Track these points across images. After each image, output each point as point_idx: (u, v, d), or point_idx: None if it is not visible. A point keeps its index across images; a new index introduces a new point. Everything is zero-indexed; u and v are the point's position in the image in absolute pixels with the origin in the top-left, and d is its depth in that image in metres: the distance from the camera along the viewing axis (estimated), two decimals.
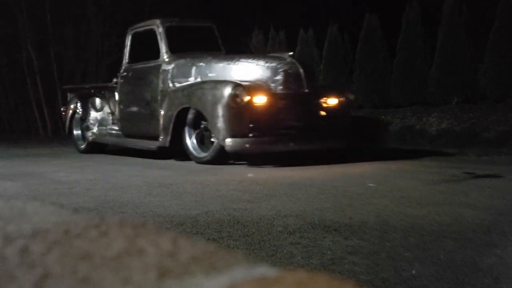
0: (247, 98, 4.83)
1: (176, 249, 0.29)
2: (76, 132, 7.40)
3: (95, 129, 6.90)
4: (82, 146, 7.13)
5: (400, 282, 1.53)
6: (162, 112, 5.59)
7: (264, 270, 0.27)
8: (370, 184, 3.62)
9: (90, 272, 0.27)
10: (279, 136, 4.95)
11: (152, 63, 6.03)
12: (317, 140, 5.14)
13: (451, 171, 4.13)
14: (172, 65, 5.74)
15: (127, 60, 6.52)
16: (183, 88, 5.49)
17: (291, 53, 5.91)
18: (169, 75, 5.71)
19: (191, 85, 5.42)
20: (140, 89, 6.17)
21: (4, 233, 0.31)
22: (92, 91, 7.30)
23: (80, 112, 7.21)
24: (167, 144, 5.45)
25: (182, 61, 5.75)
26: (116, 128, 6.65)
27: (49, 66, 12.41)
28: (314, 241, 2.02)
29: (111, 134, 6.78)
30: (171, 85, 5.66)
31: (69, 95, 7.92)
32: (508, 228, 2.27)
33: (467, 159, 5.13)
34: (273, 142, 4.97)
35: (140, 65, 6.25)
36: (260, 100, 4.93)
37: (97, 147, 6.91)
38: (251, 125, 4.83)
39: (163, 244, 0.30)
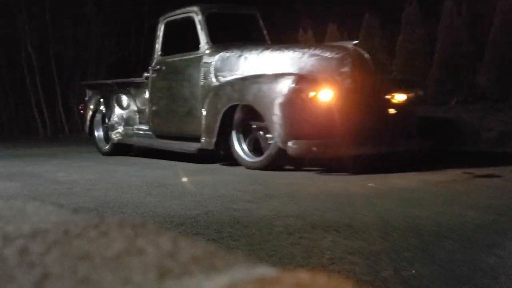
0: (312, 93, 4.19)
1: (176, 249, 0.29)
2: (98, 132, 6.74)
3: (120, 129, 6.26)
4: (105, 148, 6.52)
5: (400, 282, 1.53)
6: (205, 111, 4.92)
7: (264, 270, 0.27)
8: (370, 184, 3.62)
9: (90, 272, 0.26)
10: (350, 137, 4.18)
11: (190, 55, 5.38)
12: (394, 142, 4.46)
13: (451, 171, 4.13)
14: (216, 57, 5.07)
15: (159, 53, 5.85)
16: (232, 83, 4.80)
17: (356, 41, 5.03)
18: (212, 68, 5.05)
19: (243, 79, 4.71)
20: (177, 85, 5.56)
21: (4, 233, 0.31)
22: (117, 87, 6.66)
23: (104, 110, 6.52)
24: (212, 146, 4.78)
25: (227, 52, 5.05)
26: (145, 127, 6.11)
27: (49, 66, 12.42)
28: (314, 241, 2.02)
29: (139, 135, 6.23)
30: (214, 79, 5.01)
31: (89, 92, 7.27)
32: (508, 228, 2.27)
33: (467, 158, 5.13)
34: (344, 145, 4.21)
35: (176, 58, 5.62)
36: (327, 95, 4.23)
37: (122, 149, 6.37)
38: (318, 125, 4.15)
39: (163, 244, 0.30)
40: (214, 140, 4.75)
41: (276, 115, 4.23)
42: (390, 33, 7.81)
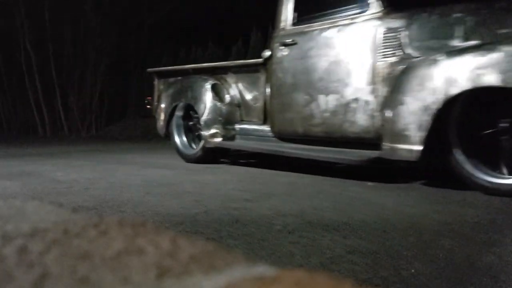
0: None
1: (175, 248, 0.29)
2: (179, 134, 5.40)
3: (217, 129, 4.89)
4: (192, 153, 5.18)
5: (399, 281, 1.54)
6: (404, 103, 3.22)
7: (263, 269, 0.27)
8: (369, 183, 3.62)
9: (89, 271, 0.26)
10: None
11: (355, 19, 3.80)
12: None
13: None
14: (404, 20, 3.48)
15: (290, 22, 4.34)
16: (459, 55, 3.01)
17: None
18: (402, 36, 3.45)
19: (489, 49, 2.86)
20: (325, 64, 3.96)
21: (3, 233, 0.31)
22: (210, 73, 5.24)
23: (192, 104, 5.14)
24: (414, 156, 3.16)
25: (424, 12, 3.43)
26: (256, 127, 4.73)
27: (48, 64, 12.40)
28: (314, 240, 2.02)
29: (245, 136, 4.82)
30: (409, 51, 3.41)
31: (162, 82, 5.83)
32: (507, 227, 2.27)
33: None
34: None
35: (325, 25, 4.03)
36: None
37: (216, 154, 5.07)
38: None
39: (163, 243, 0.30)
40: (419, 147, 3.14)
41: None
42: None
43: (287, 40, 4.31)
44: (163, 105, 5.49)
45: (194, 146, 5.28)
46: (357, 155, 3.63)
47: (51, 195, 3.17)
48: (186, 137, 5.37)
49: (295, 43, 4.23)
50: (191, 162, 5.08)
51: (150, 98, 5.97)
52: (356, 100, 3.76)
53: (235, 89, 5.03)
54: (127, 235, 0.30)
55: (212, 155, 5.02)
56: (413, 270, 1.64)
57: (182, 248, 0.29)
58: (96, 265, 0.27)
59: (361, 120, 3.72)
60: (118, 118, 13.19)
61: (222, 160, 5.18)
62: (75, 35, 12.56)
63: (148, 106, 6.01)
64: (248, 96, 4.91)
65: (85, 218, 0.34)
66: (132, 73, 13.15)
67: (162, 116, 5.48)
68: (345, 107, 3.83)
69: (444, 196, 3.08)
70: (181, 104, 5.32)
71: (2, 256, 0.28)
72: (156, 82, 5.90)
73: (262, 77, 4.71)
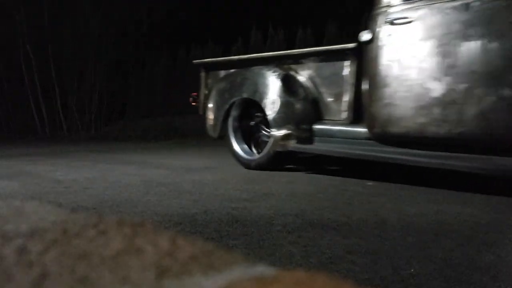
0: None
1: (174, 248, 0.29)
2: (236, 136, 4.64)
3: (290, 129, 4.12)
4: (257, 158, 4.39)
5: (398, 281, 1.54)
6: None
7: (263, 269, 0.26)
8: (369, 183, 3.62)
9: (89, 271, 0.26)
10: None
11: None
12: None
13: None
14: None
15: None
16: None
17: None
18: None
19: None
20: (464, 47, 3.07)
21: (3, 232, 0.31)
22: (278, 63, 4.41)
23: (258, 101, 4.30)
24: None
25: None
26: (343, 128, 3.89)
27: (47, 65, 12.40)
28: (313, 240, 2.02)
29: (328, 138, 3.98)
30: None
31: (212, 76, 5.07)
32: (506, 227, 2.27)
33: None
34: None
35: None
36: None
37: (282, 159, 4.30)
38: None
39: (162, 243, 0.30)
40: None
41: None
42: None
43: (397, 17, 3.44)
44: (215, 103, 4.74)
45: (254, 150, 4.57)
46: (502, 164, 2.90)
47: (50, 195, 3.17)
48: (245, 139, 4.62)
49: (409, 21, 3.37)
50: (252, 169, 4.36)
51: (195, 94, 5.26)
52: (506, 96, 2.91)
53: (311, 82, 4.19)
54: (126, 235, 0.30)
55: (279, 161, 4.28)
56: (412, 270, 1.64)
57: (181, 248, 0.29)
58: (95, 265, 0.27)
59: None
60: (117, 118, 13.19)
61: (289, 166, 4.49)
62: (74, 35, 12.56)
63: (194, 103, 5.19)
64: (330, 90, 4.06)
65: (84, 218, 0.34)
66: (131, 73, 13.15)
67: (214, 115, 4.73)
68: (497, 103, 2.94)
69: (444, 196, 3.08)
70: (239, 101, 4.54)
71: (2, 256, 0.28)
72: (203, 75, 5.15)
73: (351, 65, 3.85)
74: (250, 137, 4.63)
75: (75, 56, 12.61)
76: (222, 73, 4.95)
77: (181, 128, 10.45)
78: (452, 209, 2.68)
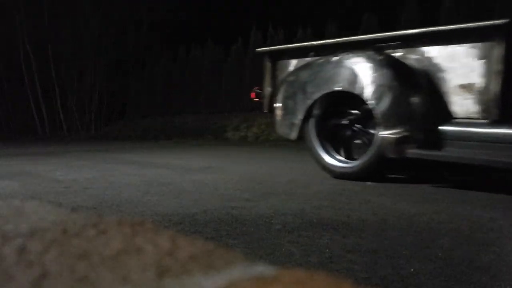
0: None
1: (174, 247, 0.29)
2: (320, 139, 3.95)
3: (407, 130, 3.35)
4: (353, 166, 3.74)
5: (398, 280, 1.54)
6: None
7: (262, 269, 0.27)
8: (369, 183, 3.62)
9: (88, 271, 0.26)
10: None
11: None
12: None
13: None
14: None
15: None
16: None
17: None
18: None
19: None
20: None
21: (3, 232, 0.31)
22: (382, 48, 3.60)
23: (360, 94, 3.51)
24: None
25: None
26: (486, 130, 3.13)
27: (47, 64, 12.40)
28: (313, 239, 2.02)
29: (463, 142, 3.22)
30: None
31: (282, 67, 4.33)
32: (506, 226, 2.27)
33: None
34: None
35: None
36: None
37: (387, 167, 3.67)
38: None
39: (162, 242, 0.30)
40: None
41: None
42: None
43: None
44: (290, 98, 4.02)
45: (342, 155, 3.90)
46: None
47: (50, 195, 3.17)
48: (332, 144, 3.93)
49: None
50: (345, 178, 3.70)
51: (258, 88, 4.57)
52: None
53: (434, 69, 3.38)
54: (126, 235, 0.30)
55: (381, 169, 3.61)
56: (412, 269, 1.64)
57: (181, 247, 0.29)
58: (95, 265, 0.27)
59: None
60: (117, 118, 13.19)
61: (392, 175, 3.86)
62: (74, 35, 12.56)
63: (256, 100, 4.51)
64: (464, 80, 3.24)
65: (84, 218, 0.34)
66: (131, 73, 13.14)
67: (290, 113, 4.04)
68: None
69: (443, 196, 3.08)
70: (325, 95, 3.77)
71: (2, 256, 0.28)
72: (268, 66, 4.39)
73: (497, 48, 3.05)
74: (334, 139, 3.95)
75: (75, 56, 12.61)
76: (294, 62, 4.21)
77: (181, 128, 10.45)
78: (452, 208, 2.68)
